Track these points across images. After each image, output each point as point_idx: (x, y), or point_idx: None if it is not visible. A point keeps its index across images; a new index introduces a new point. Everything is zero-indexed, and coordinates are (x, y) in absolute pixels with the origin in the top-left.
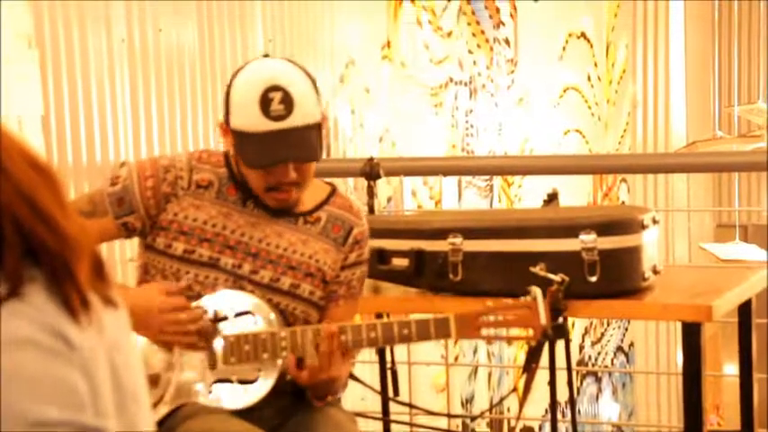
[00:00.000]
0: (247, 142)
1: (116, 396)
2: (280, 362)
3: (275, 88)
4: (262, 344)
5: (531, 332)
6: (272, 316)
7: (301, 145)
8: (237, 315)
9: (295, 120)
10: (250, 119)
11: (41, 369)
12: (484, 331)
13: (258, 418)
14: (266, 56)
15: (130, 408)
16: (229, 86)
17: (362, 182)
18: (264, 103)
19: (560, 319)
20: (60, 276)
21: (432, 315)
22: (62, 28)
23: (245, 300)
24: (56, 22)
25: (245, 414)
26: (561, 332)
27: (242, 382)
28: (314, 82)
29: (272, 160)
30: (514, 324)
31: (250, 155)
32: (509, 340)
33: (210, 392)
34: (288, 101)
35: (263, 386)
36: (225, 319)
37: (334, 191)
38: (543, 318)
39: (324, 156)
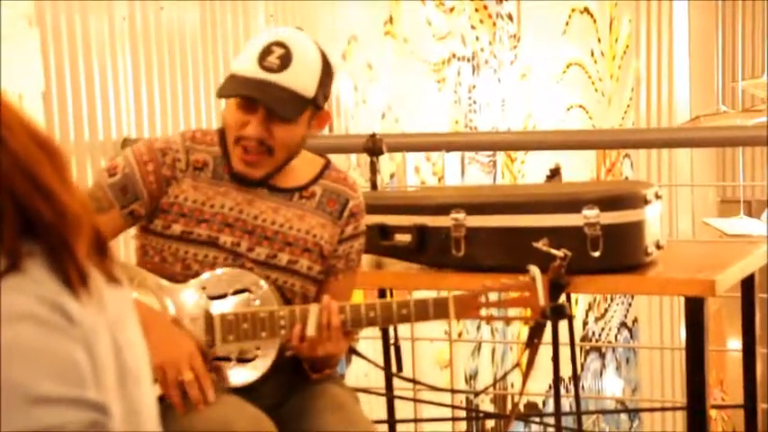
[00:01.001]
0: (230, 80)
1: (118, 374)
2: (278, 340)
3: (280, 44)
4: (260, 322)
5: (529, 312)
6: (271, 294)
7: (274, 96)
8: (235, 293)
9: (284, 78)
10: (245, 63)
11: (41, 343)
12: (483, 311)
13: (258, 396)
14: (299, 29)
15: (132, 387)
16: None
17: (365, 158)
18: (264, 53)
19: (560, 300)
20: (58, 250)
21: (431, 295)
22: (63, 6)
23: (243, 277)
24: (56, 1)
25: (244, 392)
26: (560, 312)
27: (241, 360)
28: (327, 70)
29: (237, 92)
30: (513, 304)
31: (227, 88)
32: (508, 321)
33: (209, 370)
34: (286, 59)
35: (261, 364)
36: (223, 296)
37: (327, 164)
38: (542, 298)
39: (326, 132)
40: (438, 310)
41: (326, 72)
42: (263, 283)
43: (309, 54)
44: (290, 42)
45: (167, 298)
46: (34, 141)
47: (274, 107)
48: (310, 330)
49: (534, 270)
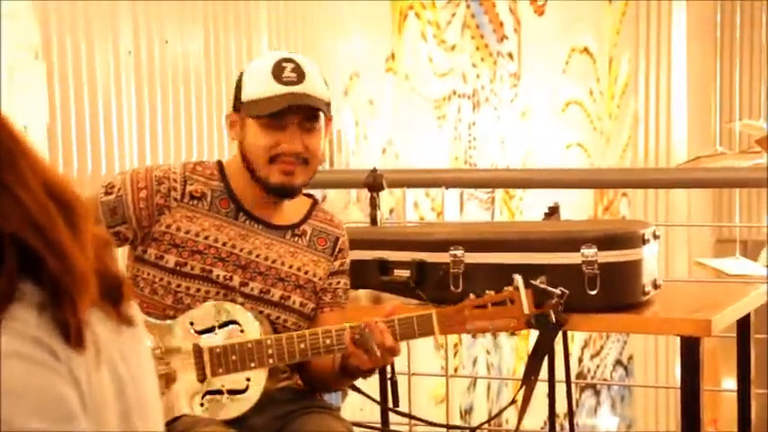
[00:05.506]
0: (258, 105)
1: (121, 410)
2: (267, 369)
3: (288, 60)
4: (248, 353)
5: (514, 322)
6: (258, 325)
7: (311, 101)
8: (222, 326)
9: (307, 88)
10: (262, 86)
11: (26, 379)
12: (468, 325)
13: (252, 427)
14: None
15: (137, 421)
16: (241, 73)
17: (365, 193)
18: (277, 70)
19: (545, 309)
20: (60, 300)
21: (415, 313)
22: (69, 40)
23: (229, 310)
24: (63, 34)
25: (238, 423)
26: (545, 320)
27: (232, 392)
28: (325, 80)
29: (281, 107)
30: (498, 315)
31: (260, 108)
32: (493, 332)
33: (202, 405)
34: (299, 72)
35: (252, 394)
36: (210, 330)
37: (315, 203)
38: (526, 307)
39: (327, 167)
40: (422, 326)
41: (327, 84)
42: (249, 314)
43: (314, 68)
44: (294, 56)
45: (155, 336)
46: (49, 194)
47: (316, 104)
48: (390, 341)
49: (517, 279)
